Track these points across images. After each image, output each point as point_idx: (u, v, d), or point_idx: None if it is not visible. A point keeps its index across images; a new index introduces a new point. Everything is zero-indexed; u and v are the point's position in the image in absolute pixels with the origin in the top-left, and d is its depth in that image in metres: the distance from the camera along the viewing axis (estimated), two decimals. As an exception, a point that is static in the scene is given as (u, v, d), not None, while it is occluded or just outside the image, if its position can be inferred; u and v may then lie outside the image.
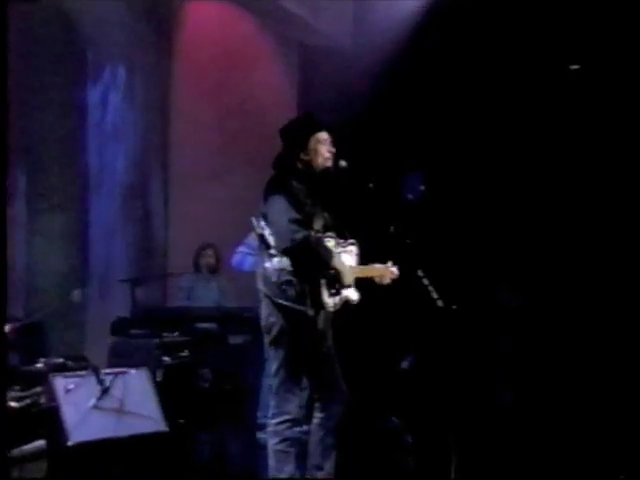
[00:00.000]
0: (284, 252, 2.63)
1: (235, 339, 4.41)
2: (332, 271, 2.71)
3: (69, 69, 4.71)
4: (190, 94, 5.34)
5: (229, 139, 5.35)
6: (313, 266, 2.67)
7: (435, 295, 2.86)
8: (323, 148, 2.79)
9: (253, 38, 5.45)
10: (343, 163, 2.85)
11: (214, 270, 4.87)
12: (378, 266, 2.88)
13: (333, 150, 2.81)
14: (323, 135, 2.81)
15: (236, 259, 4.11)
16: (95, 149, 5.02)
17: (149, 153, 5.33)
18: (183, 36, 5.36)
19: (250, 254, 3.92)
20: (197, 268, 4.87)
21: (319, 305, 2.69)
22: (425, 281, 2.87)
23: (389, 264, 2.90)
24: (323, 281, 2.69)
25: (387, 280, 2.87)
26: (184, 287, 4.84)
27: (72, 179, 4.83)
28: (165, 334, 4.09)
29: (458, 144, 4.93)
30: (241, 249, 4.05)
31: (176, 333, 4.15)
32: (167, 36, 5.32)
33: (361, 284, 2.82)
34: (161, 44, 5.28)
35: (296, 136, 2.80)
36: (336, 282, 2.71)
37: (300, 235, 2.64)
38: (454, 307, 2.90)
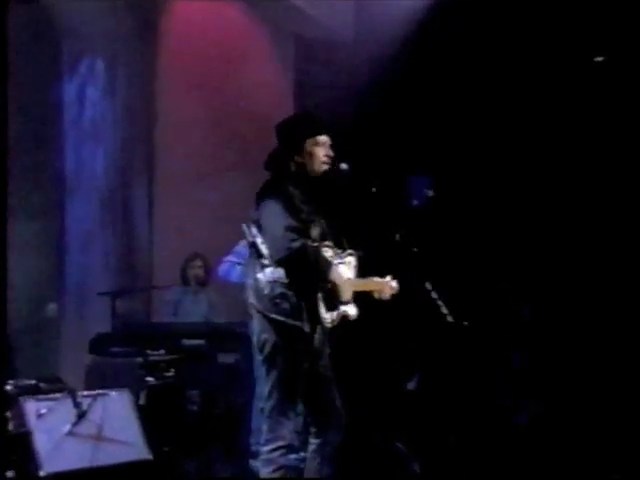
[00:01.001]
0: (279, 262, 2.62)
1: (225, 357, 4.41)
2: (329, 284, 2.70)
3: (42, 61, 4.69)
4: (177, 91, 5.34)
5: (219, 139, 5.37)
6: (310, 278, 2.66)
7: (445, 310, 2.85)
8: (320, 152, 2.78)
9: (246, 30, 5.46)
10: (344, 166, 2.84)
11: (203, 282, 4.88)
12: (377, 280, 2.87)
13: (331, 154, 2.79)
14: (322, 137, 2.80)
15: (223, 269, 4.10)
16: (72, 149, 5.02)
17: (132, 154, 5.31)
18: (169, 28, 5.35)
19: (239, 263, 3.93)
20: (184, 280, 4.88)
21: (316, 321, 2.69)
22: (434, 294, 2.86)
23: (388, 278, 2.88)
24: (320, 295, 2.69)
25: (386, 295, 2.85)
26: (170, 301, 4.86)
27: (46, 182, 4.84)
28: (149, 352, 4.08)
29: (465, 143, 5.04)
30: (229, 258, 4.05)
31: (161, 351, 4.15)
32: (152, 27, 5.30)
33: (360, 298, 2.83)
34: (145, 36, 5.25)
35: (291, 136, 2.79)
36: (333, 296, 2.71)
37: (297, 244, 2.62)
38: (465, 323, 2.91)
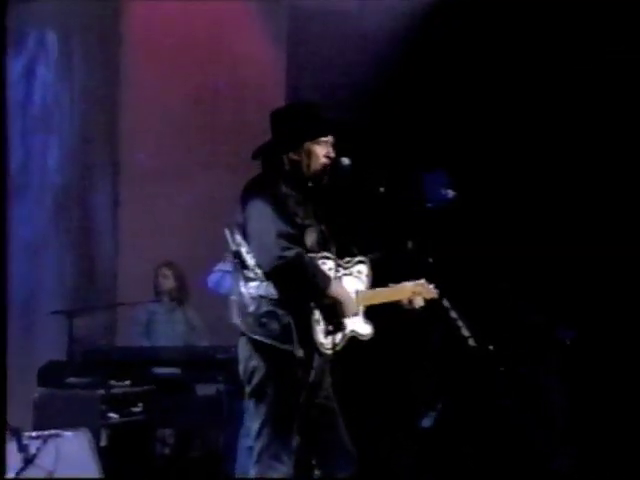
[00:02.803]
0: (269, 275, 2.62)
1: (206, 389, 4.42)
2: (329, 301, 2.69)
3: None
4: (147, 72, 5.34)
5: (198, 129, 5.39)
6: (305, 294, 2.66)
7: (466, 331, 2.86)
8: (320, 151, 2.79)
9: (230, 1, 5.46)
10: (345, 161, 2.83)
11: (178, 297, 4.92)
12: (405, 285, 2.84)
13: (333, 155, 2.80)
14: (324, 137, 2.80)
15: (213, 279, 4.16)
16: (18, 139, 4.97)
17: (92, 147, 5.29)
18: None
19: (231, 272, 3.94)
20: (157, 295, 4.91)
21: (310, 344, 2.68)
22: (453, 313, 2.86)
23: (422, 281, 2.87)
24: (317, 314, 2.68)
25: (421, 302, 2.84)
26: (139, 320, 4.87)
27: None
28: (113, 383, 4.07)
29: (485, 132, 5.01)
30: (220, 267, 4.09)
31: (127, 382, 4.13)
32: (115, -1, 5.36)
33: (374, 314, 2.82)
34: (107, 6, 5.26)
35: (288, 132, 2.79)
36: (334, 315, 2.70)
37: (291, 253, 2.62)
38: (491, 347, 2.93)
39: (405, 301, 2.87)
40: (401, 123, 5.10)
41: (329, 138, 2.82)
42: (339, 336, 2.72)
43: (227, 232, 2.70)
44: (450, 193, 4.54)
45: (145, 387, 4.16)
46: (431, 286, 2.90)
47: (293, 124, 2.81)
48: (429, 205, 4.15)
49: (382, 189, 2.86)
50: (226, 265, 4.01)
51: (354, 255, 2.84)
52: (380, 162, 3.18)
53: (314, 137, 2.78)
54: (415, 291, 2.87)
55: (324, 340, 2.69)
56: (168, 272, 4.87)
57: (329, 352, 2.71)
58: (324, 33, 5.26)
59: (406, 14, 5.09)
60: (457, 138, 4.99)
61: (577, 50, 4.81)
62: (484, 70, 4.99)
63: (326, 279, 2.70)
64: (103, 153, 5.35)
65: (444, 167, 4.33)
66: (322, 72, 5.23)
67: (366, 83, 5.10)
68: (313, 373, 2.69)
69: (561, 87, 4.88)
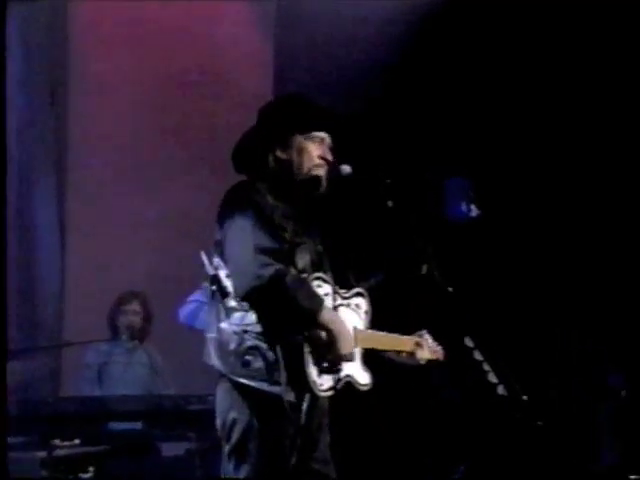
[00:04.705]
0: (244, 297, 2.62)
1: (173, 448, 4.39)
2: (322, 332, 2.67)
3: None
4: (102, 58, 5.37)
5: (165, 128, 5.39)
6: (290, 321, 2.64)
7: (494, 377, 2.86)
8: (314, 150, 2.81)
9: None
10: (346, 169, 2.85)
11: (141, 335, 4.87)
12: (406, 338, 2.90)
13: (330, 158, 2.82)
14: (319, 134, 2.82)
15: (187, 310, 4.17)
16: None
17: (33, 147, 5.28)
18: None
19: None
20: (114, 331, 4.86)
21: (303, 385, 2.65)
22: (477, 355, 2.88)
23: (424, 334, 2.94)
24: (307, 348, 2.66)
25: (422, 359, 2.91)
26: (91, 364, 4.82)
27: None
28: (57, 443, 4.03)
29: (510, 131, 5.11)
30: (196, 297, 4.11)
31: (76, 441, 4.10)
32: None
33: (375, 358, 2.82)
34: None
35: (275, 123, 2.81)
36: (326, 350, 2.68)
37: (269, 271, 2.60)
38: (525, 398, 2.89)
39: (405, 355, 2.91)
40: (407, 121, 5.18)
41: (325, 136, 2.82)
42: (334, 378, 2.71)
43: (204, 255, 2.69)
44: (474, 210, 4.51)
45: (98, 447, 4.13)
46: (434, 343, 2.94)
47: (280, 114, 2.84)
48: (451, 219, 4.15)
49: (390, 203, 2.86)
50: (202, 294, 4.00)
51: (350, 285, 2.84)
52: (388, 169, 3.18)
53: (305, 129, 2.78)
54: (413, 347, 2.91)
55: (318, 379, 2.67)
56: (134, 305, 4.85)
57: (325, 394, 2.69)
58: (316, 11, 5.29)
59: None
60: (474, 137, 5.12)
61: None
62: (493, 64, 5.14)
63: (317, 301, 2.68)
64: (46, 155, 5.35)
65: (466, 174, 4.36)
66: (315, 56, 5.29)
67: (369, 77, 5.17)
68: (303, 421, 2.66)
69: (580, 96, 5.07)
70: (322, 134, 2.83)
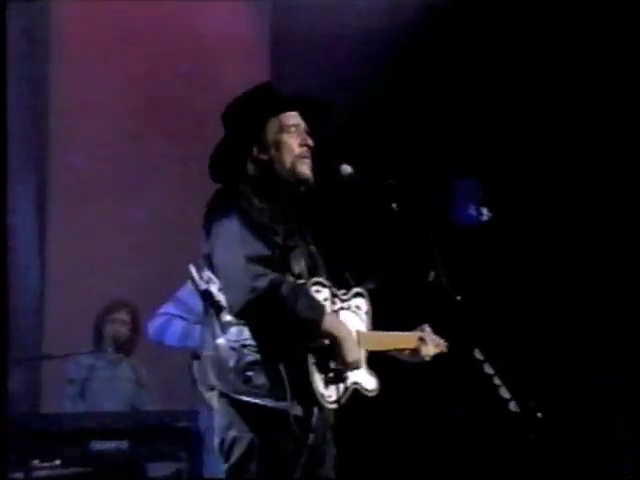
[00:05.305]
0: (240, 313, 2.61)
1: (161, 469, 4.35)
2: (325, 340, 2.67)
3: None
4: (83, 52, 5.39)
5: (151, 127, 5.38)
6: (291, 333, 2.64)
7: (506, 392, 2.85)
8: (292, 140, 2.79)
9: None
10: (347, 169, 2.86)
11: (127, 347, 4.85)
12: (409, 334, 2.91)
13: (310, 143, 2.80)
14: (291, 118, 2.81)
15: (156, 325, 4.10)
16: None
17: (11, 148, 5.32)
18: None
19: (182, 317, 3.89)
20: (98, 342, 4.84)
21: (310, 399, 2.65)
22: (488, 368, 2.86)
23: (426, 328, 2.94)
24: (311, 359, 2.65)
25: (427, 356, 2.90)
26: (74, 378, 4.79)
27: None
28: (36, 464, 4.02)
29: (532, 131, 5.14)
30: (166, 309, 4.06)
31: (56, 461, 4.09)
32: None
33: (381, 363, 2.82)
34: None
35: (243, 119, 2.79)
36: (335, 358, 2.68)
37: (263, 282, 2.59)
38: (539, 415, 2.89)
39: (408, 354, 2.91)
40: (411, 118, 5.21)
41: (298, 121, 2.80)
42: (341, 388, 2.70)
43: (192, 268, 2.68)
44: (485, 214, 4.49)
45: (80, 468, 4.11)
46: (436, 337, 2.93)
47: (245, 108, 2.80)
48: (460, 222, 4.12)
49: (395, 205, 2.86)
50: (174, 307, 3.97)
51: (349, 285, 2.84)
52: (392, 169, 3.18)
53: (270, 112, 2.75)
54: (417, 343, 2.92)
55: (325, 391, 2.66)
56: (122, 314, 4.83)
57: (332, 406, 2.68)
58: (315, 7, 5.33)
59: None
60: (483, 134, 5.18)
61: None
62: (495, 65, 5.21)
63: (318, 310, 2.67)
64: (25, 157, 5.36)
65: (475, 174, 4.34)
66: (316, 50, 5.31)
67: (373, 68, 5.21)
68: (311, 439, 2.66)
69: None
70: (295, 118, 2.81)
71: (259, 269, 2.60)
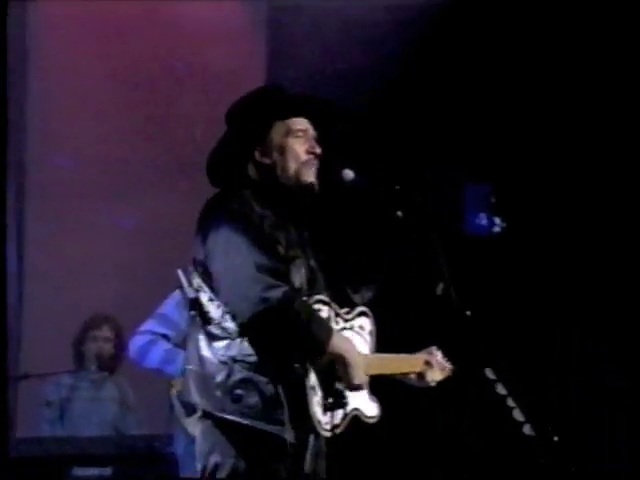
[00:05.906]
0: (246, 325, 2.58)
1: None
2: (330, 360, 2.65)
3: None
4: (67, 46, 5.39)
5: (140, 127, 5.39)
6: (297, 351, 2.63)
7: (519, 414, 2.83)
8: (298, 146, 2.80)
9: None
10: (349, 174, 2.86)
11: (110, 365, 4.81)
12: (414, 356, 2.91)
13: (318, 151, 2.80)
14: (300, 122, 2.82)
15: (137, 344, 4.02)
16: None
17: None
18: None
19: (164, 336, 3.85)
20: (79, 361, 4.82)
21: (306, 424, 2.63)
22: (500, 388, 2.84)
23: (435, 351, 2.94)
24: (312, 379, 2.64)
25: (433, 381, 2.90)
26: (53, 400, 4.78)
27: None
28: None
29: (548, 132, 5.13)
30: (148, 327, 4.00)
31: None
32: None
33: (383, 387, 2.80)
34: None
35: (247, 121, 2.80)
36: (339, 380, 2.67)
37: (278, 293, 2.57)
38: (556, 438, 2.88)
39: (413, 377, 2.93)
40: (415, 120, 5.19)
41: (308, 127, 2.81)
42: (339, 414, 2.68)
43: (181, 274, 2.67)
44: (497, 224, 4.46)
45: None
46: (444, 359, 2.95)
47: (251, 110, 2.81)
48: (470, 231, 4.10)
49: (400, 212, 2.85)
50: (157, 324, 3.89)
51: (349, 302, 2.83)
52: (397, 174, 3.17)
53: (278, 116, 2.76)
54: (424, 367, 2.93)
55: (322, 417, 2.64)
56: (104, 331, 4.81)
57: (329, 434, 2.65)
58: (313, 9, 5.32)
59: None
60: (492, 136, 5.16)
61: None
62: (505, 58, 5.22)
63: (326, 329, 2.66)
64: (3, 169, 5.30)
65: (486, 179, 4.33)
66: (315, 56, 5.28)
67: (378, 68, 5.20)
68: (306, 467, 2.64)
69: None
70: (303, 123, 2.81)
71: (270, 280, 2.59)
